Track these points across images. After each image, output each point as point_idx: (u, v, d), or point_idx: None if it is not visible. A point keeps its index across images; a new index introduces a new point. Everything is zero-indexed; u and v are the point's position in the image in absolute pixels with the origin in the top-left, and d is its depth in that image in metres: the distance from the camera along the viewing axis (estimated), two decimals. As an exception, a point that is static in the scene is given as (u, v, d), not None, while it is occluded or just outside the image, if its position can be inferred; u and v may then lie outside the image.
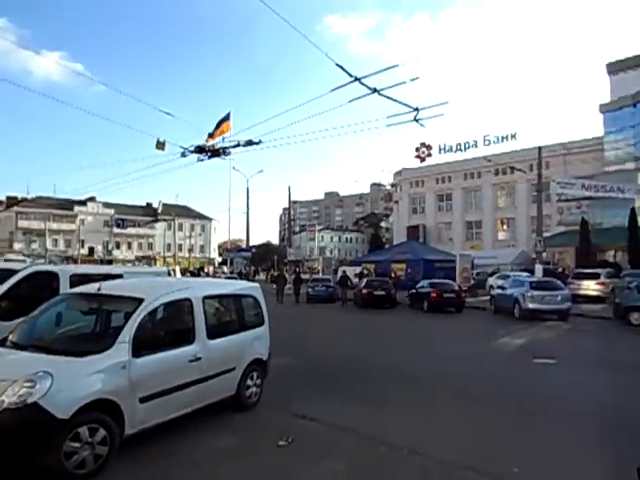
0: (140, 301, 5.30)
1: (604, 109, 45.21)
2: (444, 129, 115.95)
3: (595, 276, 24.34)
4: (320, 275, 37.10)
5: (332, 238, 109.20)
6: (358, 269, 32.74)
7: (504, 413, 6.81)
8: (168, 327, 5.88)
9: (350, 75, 8.55)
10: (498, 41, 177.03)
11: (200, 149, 13.19)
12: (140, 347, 5.00)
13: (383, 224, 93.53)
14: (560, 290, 18.36)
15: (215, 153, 13.38)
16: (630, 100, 42.40)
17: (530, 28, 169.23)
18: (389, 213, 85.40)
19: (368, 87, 8.73)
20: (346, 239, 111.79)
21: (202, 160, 13.63)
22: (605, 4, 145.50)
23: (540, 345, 12.87)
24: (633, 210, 33.42)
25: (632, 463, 3.35)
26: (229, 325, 6.75)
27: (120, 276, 8.41)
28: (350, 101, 9.51)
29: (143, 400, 4.96)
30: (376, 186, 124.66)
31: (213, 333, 6.09)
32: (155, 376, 5.11)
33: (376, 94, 8.76)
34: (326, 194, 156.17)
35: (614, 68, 46.37)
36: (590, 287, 23.80)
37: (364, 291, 23.58)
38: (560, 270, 32.13)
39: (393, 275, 29.45)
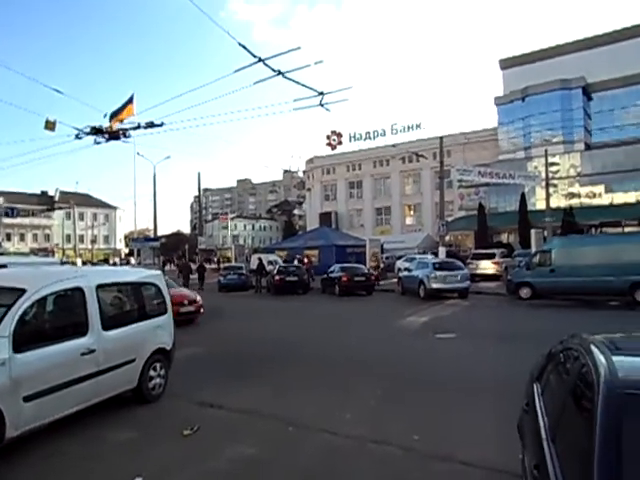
0: (22, 292, 4.83)
1: (498, 102, 48.60)
2: (354, 118, 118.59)
3: (491, 256, 26.28)
4: (233, 263, 36.54)
5: (245, 226, 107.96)
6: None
7: (407, 386, 7.12)
8: (56, 319, 5.45)
9: (254, 56, 8.37)
10: (403, 32, 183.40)
11: (96, 130, 12.29)
12: (23, 342, 4.57)
13: (296, 211, 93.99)
14: (460, 270, 19.57)
15: (113, 135, 12.55)
16: (520, 94, 45.96)
17: (432, 22, 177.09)
18: (302, 200, 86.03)
19: (272, 69, 8.61)
20: (260, 227, 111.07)
21: (99, 143, 12.73)
22: (500, 3, 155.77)
23: (442, 322, 13.64)
24: (523, 195, 36.46)
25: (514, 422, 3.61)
26: (128, 315, 6.39)
27: (4, 266, 7.65)
28: (255, 83, 9.34)
29: (28, 399, 4.56)
30: (289, 173, 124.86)
31: (110, 323, 5.73)
32: (41, 372, 4.71)
33: (281, 77, 8.66)
34: (239, 181, 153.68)
35: (506, 64, 49.96)
36: (487, 266, 25.66)
37: (277, 277, 23.58)
38: (459, 251, 34.34)
39: (306, 261, 29.72)
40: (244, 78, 10.23)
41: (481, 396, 6.42)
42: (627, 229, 33.02)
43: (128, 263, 48.43)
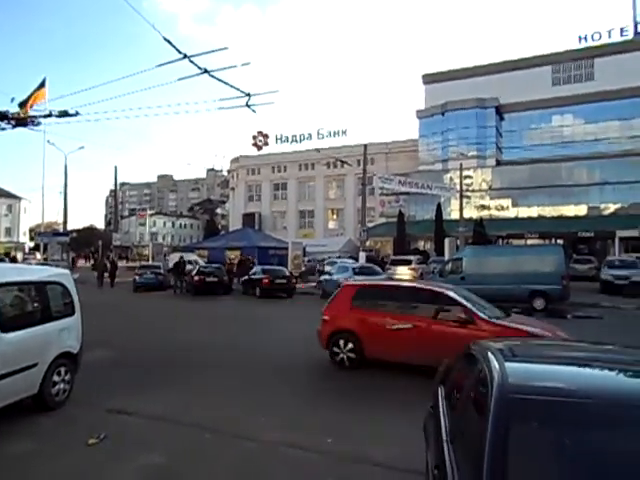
0: None
1: (419, 115, 50.82)
2: (281, 119, 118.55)
3: (408, 262, 27.39)
4: (150, 262, 35.14)
5: (165, 224, 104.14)
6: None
7: (324, 390, 7.25)
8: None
9: (179, 52, 8.15)
10: (330, 39, 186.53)
11: (1, 116, 11.33)
12: None
13: (219, 211, 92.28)
14: (378, 275, 20.22)
15: (21, 122, 11.62)
16: (440, 109, 48.38)
17: (360, 32, 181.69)
18: (225, 200, 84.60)
19: (198, 67, 8.42)
20: (180, 225, 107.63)
21: (4, 129, 11.73)
22: (428, 19, 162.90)
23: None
24: (439, 205, 38.35)
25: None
26: (30, 316, 5.95)
27: None
28: (179, 79, 9.09)
29: None
30: (212, 172, 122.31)
31: (9, 325, 5.32)
32: None
33: (206, 75, 8.50)
34: (159, 177, 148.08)
35: (428, 79, 52.38)
36: (404, 272, 26.69)
37: (196, 278, 23.03)
38: (379, 257, 35.46)
39: (229, 262, 29.29)
40: (168, 73, 9.94)
41: (397, 397, 6.68)
42: (529, 241, 35.86)
43: (25, 260, 44.88)
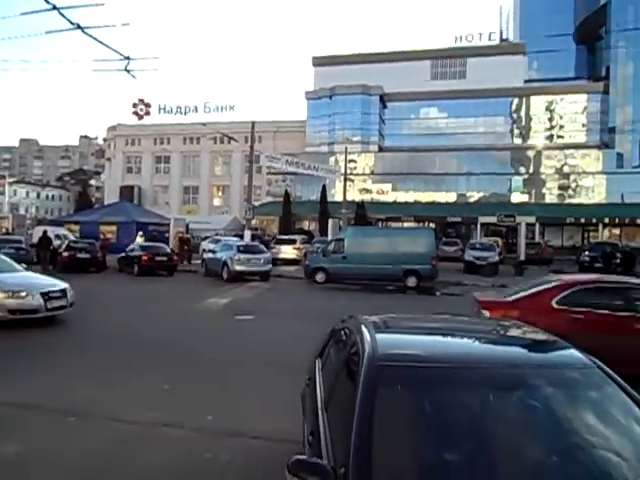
0: None
1: (308, 96, 51.35)
2: (165, 89, 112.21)
3: (292, 242, 27.83)
4: (10, 236, 31.49)
5: (28, 193, 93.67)
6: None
7: (205, 367, 7.16)
8: None
9: (47, 1, 7.29)
10: (219, 12, 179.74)
11: None
12: None
13: (93, 182, 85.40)
14: (263, 254, 20.28)
15: None
16: (328, 92, 49.30)
17: (250, 7, 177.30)
18: (100, 171, 78.48)
19: (70, 21, 7.63)
20: (47, 196, 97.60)
21: None
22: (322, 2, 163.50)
23: (243, 304, 13.99)
24: (324, 187, 39.40)
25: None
26: None
27: None
28: (47, 32, 8.16)
29: None
30: (86, 139, 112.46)
31: None
32: None
33: (80, 32, 7.73)
34: (22, 141, 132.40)
35: (318, 62, 53.02)
36: (288, 251, 27.11)
37: (65, 254, 21.20)
38: (265, 235, 35.58)
39: (103, 237, 27.34)
40: (35, 24, 8.87)
41: (275, 372, 6.81)
42: (406, 224, 38.37)
43: None
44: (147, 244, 22.69)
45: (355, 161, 46.92)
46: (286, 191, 42.93)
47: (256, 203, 38.65)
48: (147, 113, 44.09)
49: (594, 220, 38.80)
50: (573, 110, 48.05)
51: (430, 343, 2.77)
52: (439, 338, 2.92)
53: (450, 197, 46.83)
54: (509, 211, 32.21)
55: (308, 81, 76.31)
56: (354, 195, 43.77)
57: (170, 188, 56.23)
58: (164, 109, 49.19)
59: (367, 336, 2.59)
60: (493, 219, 31.79)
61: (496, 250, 25.01)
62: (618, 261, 19.06)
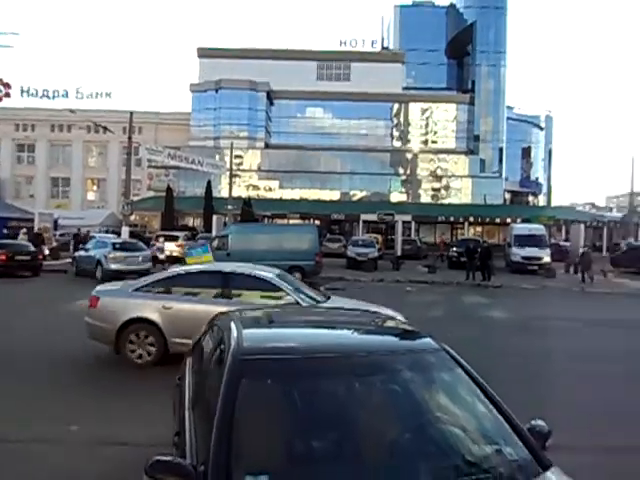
0: None
1: (193, 88, 49.73)
2: (30, 71, 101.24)
3: (175, 238, 26.72)
4: None
5: None
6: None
7: (63, 375, 6.65)
8: None
9: None
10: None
11: None
12: None
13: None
14: (142, 251, 19.24)
15: None
16: (214, 85, 48.18)
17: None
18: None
19: None
20: None
21: None
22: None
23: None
24: (209, 182, 38.40)
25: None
26: None
27: None
28: None
29: None
30: None
31: None
32: None
33: None
34: None
35: (204, 53, 51.49)
36: (170, 249, 25.96)
37: None
38: (145, 232, 33.80)
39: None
40: None
41: (153, 373, 6.51)
42: (292, 221, 38.91)
43: None
44: (5, 241, 20.34)
45: (241, 157, 46.48)
46: (168, 186, 41.08)
47: (136, 198, 36.64)
48: (7, 95, 39.61)
49: (461, 219, 42.59)
50: (445, 118, 52.27)
51: (297, 336, 2.83)
52: (307, 330, 3.00)
53: (334, 195, 48.40)
54: (388, 210, 34.20)
55: (193, 73, 73.78)
56: (240, 191, 43.35)
57: (36, 179, 50.97)
58: (27, 92, 44.53)
59: (234, 332, 2.58)
60: (374, 217, 33.50)
61: (376, 246, 26.35)
62: (478, 256, 21.16)
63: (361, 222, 38.55)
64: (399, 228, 29.87)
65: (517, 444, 2.19)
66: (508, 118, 52.90)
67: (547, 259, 24.33)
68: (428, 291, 18.02)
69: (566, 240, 36.35)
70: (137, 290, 7.19)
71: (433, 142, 52.26)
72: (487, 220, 43.05)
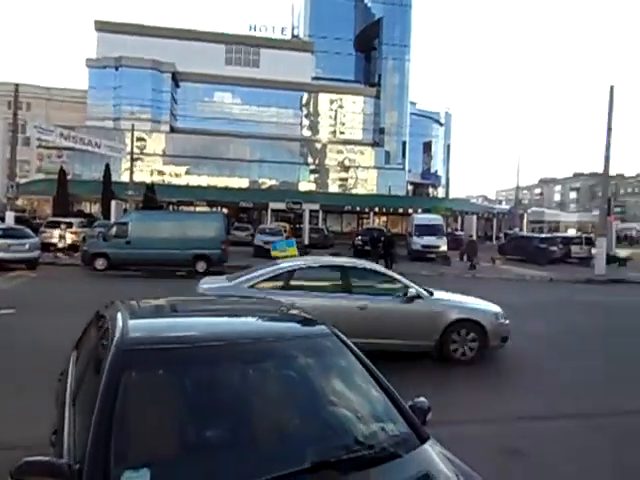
0: None
1: (90, 64, 46.26)
2: None
3: (68, 225, 24.82)
4: None
5: None
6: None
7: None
8: None
9: None
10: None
11: None
12: None
13: None
14: (29, 238, 17.67)
15: None
16: (114, 62, 45.18)
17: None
18: None
19: None
20: None
21: None
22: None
23: (3, 296, 12.03)
24: (108, 166, 36.04)
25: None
26: None
27: None
28: None
29: None
30: None
31: None
32: None
33: None
34: None
35: (102, 27, 48.01)
36: (61, 235, 24.06)
37: None
38: (36, 217, 31.05)
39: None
40: None
41: (32, 372, 6.03)
42: (198, 209, 37.78)
43: None
44: None
45: (144, 140, 44.25)
46: (62, 168, 37.89)
47: (23, 180, 33.50)
48: None
49: (367, 209, 44.02)
50: (352, 110, 53.53)
51: (187, 325, 2.76)
52: (200, 319, 2.94)
53: (243, 183, 47.76)
54: (297, 198, 34.41)
55: (90, 47, 68.46)
56: (143, 176, 41.32)
57: None
58: None
59: (119, 322, 2.46)
60: (283, 205, 33.55)
61: (283, 235, 26.44)
62: (381, 244, 22.05)
63: (270, 210, 38.45)
64: (306, 217, 30.18)
65: (399, 421, 2.33)
66: (411, 113, 55.45)
67: (444, 247, 25.93)
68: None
69: (461, 230, 39.06)
70: (253, 287, 6.88)
71: (341, 133, 53.34)
72: (391, 210, 44.90)
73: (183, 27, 48.74)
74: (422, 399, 2.56)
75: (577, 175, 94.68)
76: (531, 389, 6.41)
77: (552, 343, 9.14)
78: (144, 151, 44.61)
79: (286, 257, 10.00)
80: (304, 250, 25.14)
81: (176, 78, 47.98)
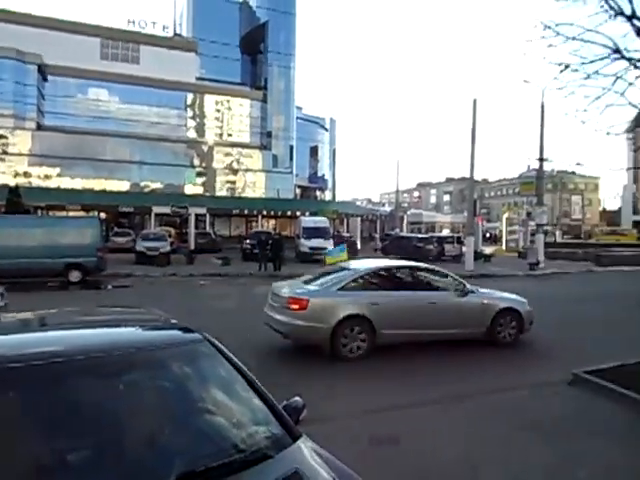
0: None
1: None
2: None
3: None
4: None
5: None
6: None
7: None
8: None
9: None
10: None
11: None
12: None
13: None
14: None
15: None
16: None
17: None
18: None
19: None
20: None
21: None
22: None
23: None
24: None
25: None
26: None
27: None
28: None
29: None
30: None
31: None
32: None
33: None
34: None
35: (-50, 8, 42.35)
36: None
37: None
38: None
39: None
40: None
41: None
42: (72, 213, 34.85)
43: None
44: None
45: (6, 137, 39.87)
46: None
47: None
48: None
49: (255, 212, 43.88)
50: (239, 113, 53.08)
51: (43, 340, 2.55)
52: (59, 333, 2.72)
53: (123, 186, 45.03)
54: (182, 202, 33.27)
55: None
56: (6, 178, 37.23)
57: None
58: None
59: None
60: (167, 209, 32.21)
61: (168, 240, 25.42)
62: (269, 247, 22.13)
63: (153, 215, 36.63)
64: (192, 221, 29.32)
65: (272, 422, 2.36)
66: (297, 118, 56.43)
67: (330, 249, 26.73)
68: (222, 283, 18.17)
69: (347, 231, 40.56)
70: (341, 290, 7.70)
71: (229, 135, 52.63)
72: (280, 213, 45.21)
73: (52, 16, 44.76)
74: (297, 398, 2.62)
75: (449, 180, 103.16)
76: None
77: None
78: (7, 150, 40.19)
79: (337, 262, 11.72)
80: (190, 256, 24.42)
81: (43, 71, 43.84)
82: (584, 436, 4.96)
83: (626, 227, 64.78)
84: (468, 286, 8.51)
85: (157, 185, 46.32)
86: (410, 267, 8.86)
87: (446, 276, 8.67)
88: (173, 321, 2.92)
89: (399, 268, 8.82)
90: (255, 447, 2.18)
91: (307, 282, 8.27)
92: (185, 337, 2.67)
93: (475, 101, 24.33)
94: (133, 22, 48.48)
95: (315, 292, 7.71)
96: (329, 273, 8.57)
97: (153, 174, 46.06)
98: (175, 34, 52.48)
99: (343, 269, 8.53)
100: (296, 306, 7.42)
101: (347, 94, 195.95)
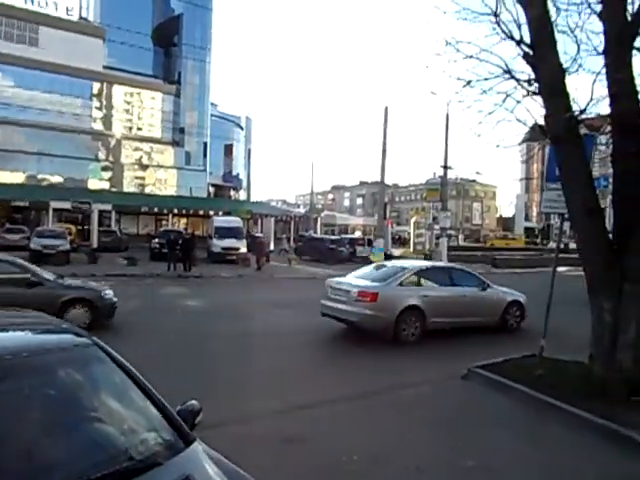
0: None
1: None
2: None
3: None
4: None
5: None
6: None
7: None
8: None
9: None
10: None
11: None
12: None
13: None
14: None
15: None
16: None
17: None
18: None
19: None
20: None
21: None
22: None
23: None
24: None
25: None
26: None
27: None
28: None
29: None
30: None
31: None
32: None
33: None
34: None
35: None
36: None
37: None
38: None
39: None
40: None
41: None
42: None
43: None
44: None
45: None
46: None
47: None
48: None
49: (166, 210, 42.28)
50: (151, 106, 50.90)
51: None
52: None
53: (17, 178, 41.40)
54: (85, 197, 31.22)
55: None
56: None
57: None
58: None
59: None
60: (68, 205, 30.09)
61: (67, 238, 23.74)
62: (179, 247, 21.43)
63: (51, 210, 33.99)
64: (95, 218, 27.65)
65: (165, 427, 2.30)
66: (212, 115, 55.22)
67: (243, 249, 26.43)
68: (127, 284, 17.27)
69: (261, 232, 40.36)
70: (400, 285, 9.28)
71: (139, 129, 50.31)
72: (192, 212, 43.93)
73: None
74: (193, 402, 2.57)
75: (362, 183, 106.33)
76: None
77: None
78: None
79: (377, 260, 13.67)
80: (92, 255, 23.02)
81: None
82: (476, 425, 5.37)
83: (518, 233, 70.76)
84: (488, 282, 10.41)
85: (57, 179, 43.10)
86: (447, 267, 11.55)
87: (471, 274, 10.61)
88: (64, 325, 2.75)
89: (440, 268, 11.25)
90: (146, 454, 2.11)
91: (360, 278, 9.83)
92: (75, 340, 2.53)
93: (387, 108, 25.41)
94: (32, 1, 44.73)
95: (382, 287, 9.13)
96: (377, 270, 10.28)
97: (53, 167, 42.76)
98: (81, 17, 49.14)
99: (395, 267, 10.10)
100: (367, 298, 8.83)
101: (264, 94, 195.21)
